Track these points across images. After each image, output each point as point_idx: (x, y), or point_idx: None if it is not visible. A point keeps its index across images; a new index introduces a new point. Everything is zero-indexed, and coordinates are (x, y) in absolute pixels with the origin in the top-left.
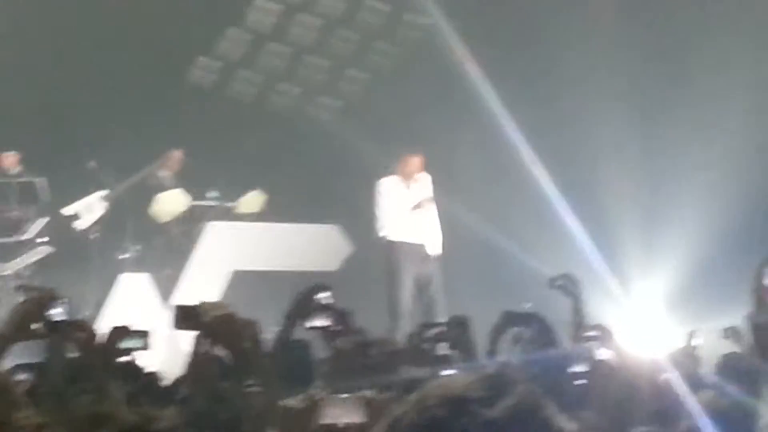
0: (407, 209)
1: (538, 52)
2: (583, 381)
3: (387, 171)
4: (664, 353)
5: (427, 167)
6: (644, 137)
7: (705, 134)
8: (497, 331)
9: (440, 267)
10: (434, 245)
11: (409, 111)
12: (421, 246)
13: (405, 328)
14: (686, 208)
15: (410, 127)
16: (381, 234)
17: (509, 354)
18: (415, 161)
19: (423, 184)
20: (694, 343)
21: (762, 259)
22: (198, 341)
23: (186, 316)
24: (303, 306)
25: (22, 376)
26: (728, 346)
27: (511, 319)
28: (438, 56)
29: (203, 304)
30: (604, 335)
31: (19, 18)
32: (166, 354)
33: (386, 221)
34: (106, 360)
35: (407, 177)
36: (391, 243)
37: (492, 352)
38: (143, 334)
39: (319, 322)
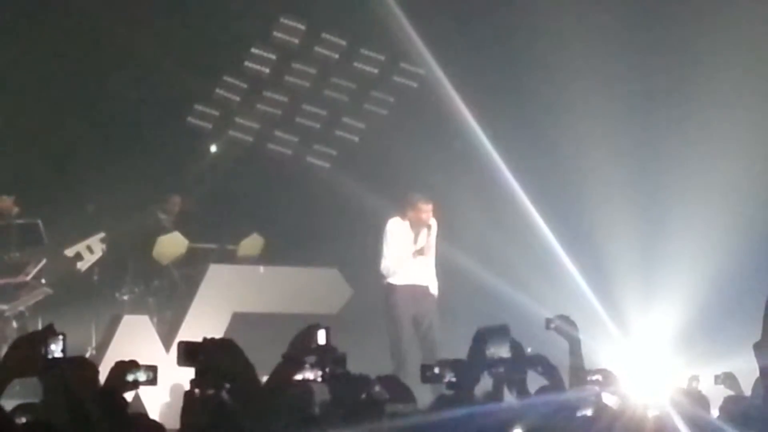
0: (411, 253)
1: (534, 98)
2: (588, 425)
3: (394, 212)
4: (666, 396)
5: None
6: (644, 179)
7: (707, 173)
8: (474, 350)
9: (438, 309)
10: (432, 286)
11: (406, 157)
12: (419, 287)
13: (407, 368)
14: (688, 250)
15: (407, 172)
16: (382, 273)
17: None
18: (428, 208)
19: (431, 230)
20: (696, 386)
21: None
22: (198, 377)
23: (189, 353)
24: (301, 345)
25: (23, 418)
26: (725, 391)
27: (485, 335)
28: (433, 104)
29: (206, 341)
30: (608, 379)
31: (18, 61)
32: (167, 396)
33: (390, 263)
34: (108, 396)
35: (417, 223)
36: (391, 285)
37: (472, 372)
38: (151, 369)
39: (311, 374)
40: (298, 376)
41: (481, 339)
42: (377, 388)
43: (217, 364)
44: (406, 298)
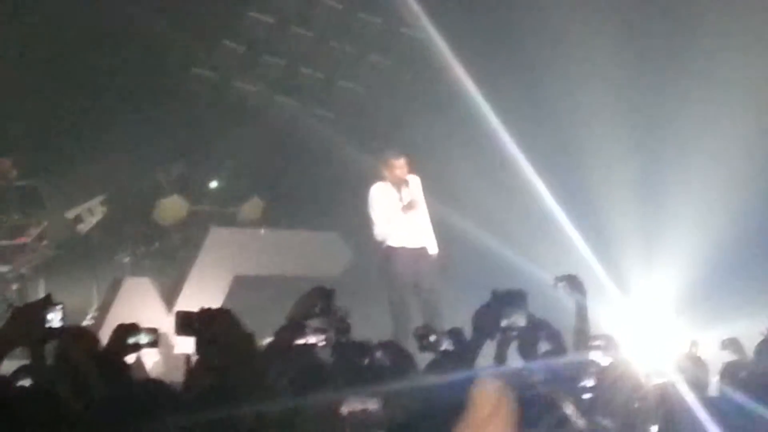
0: (398, 213)
1: (533, 58)
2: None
3: (376, 178)
4: (668, 360)
5: (425, 174)
6: (648, 135)
7: (713, 132)
8: (486, 314)
9: (437, 270)
10: (429, 246)
11: (406, 119)
12: (417, 248)
13: (406, 331)
14: (692, 211)
15: (407, 135)
16: (378, 240)
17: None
18: (401, 164)
19: (412, 186)
20: (696, 351)
21: None
22: (197, 347)
23: (187, 323)
24: (305, 309)
25: (23, 381)
26: (728, 356)
27: (500, 298)
28: (433, 65)
29: (203, 311)
30: (609, 345)
31: (19, 19)
32: (166, 359)
33: (381, 227)
34: (108, 362)
35: (395, 181)
36: (389, 248)
37: (480, 336)
38: (152, 331)
39: (313, 338)
40: (301, 341)
41: (497, 302)
42: (378, 354)
43: (215, 334)
44: (404, 260)
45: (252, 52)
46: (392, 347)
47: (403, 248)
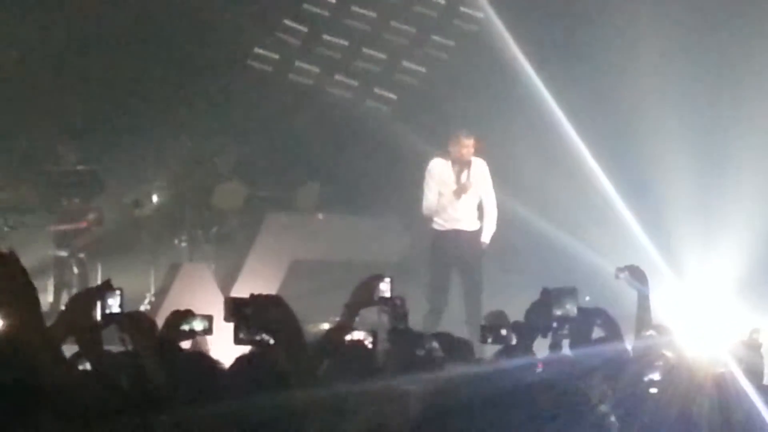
0: (452, 191)
1: (593, 45)
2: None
3: (440, 152)
4: (726, 350)
5: (487, 159)
6: (708, 120)
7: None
8: (537, 311)
9: (494, 258)
10: (482, 232)
11: (465, 103)
12: (465, 232)
13: (439, 314)
14: (750, 191)
15: (468, 118)
16: (424, 214)
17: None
18: (469, 143)
19: (476, 169)
20: (758, 338)
21: None
22: (245, 332)
23: (235, 309)
24: (363, 296)
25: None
26: None
27: (551, 296)
28: (493, 50)
29: (254, 297)
30: (663, 334)
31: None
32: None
33: (430, 202)
34: (165, 349)
35: (459, 160)
36: (435, 231)
37: (530, 334)
38: (207, 318)
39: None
40: (349, 337)
41: (549, 300)
42: (434, 345)
43: (264, 320)
44: (450, 243)
45: (313, 34)
46: (448, 338)
47: (450, 231)
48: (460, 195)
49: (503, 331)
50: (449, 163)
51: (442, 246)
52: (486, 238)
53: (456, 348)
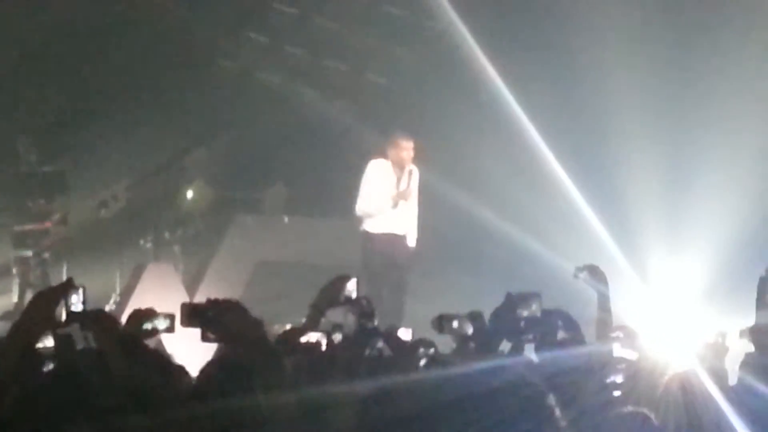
0: (390, 197)
1: (557, 46)
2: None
3: (380, 153)
4: (691, 351)
5: (447, 164)
6: (672, 123)
7: (735, 123)
8: (500, 315)
9: (413, 261)
10: (410, 237)
11: (429, 111)
12: (397, 236)
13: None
14: (718, 198)
15: (430, 125)
16: (357, 215)
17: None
18: (408, 146)
19: (412, 175)
20: (723, 341)
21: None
22: (203, 337)
23: (192, 315)
24: (330, 296)
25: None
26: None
27: (514, 300)
28: (457, 55)
29: (210, 302)
30: (628, 336)
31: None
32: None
33: (364, 203)
34: (127, 348)
35: (398, 163)
36: (367, 233)
37: (495, 336)
38: (169, 316)
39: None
40: (304, 339)
41: (512, 304)
42: (380, 344)
43: (223, 325)
44: (382, 247)
45: (275, 43)
46: (394, 338)
47: (382, 234)
48: (397, 202)
49: (455, 323)
50: (389, 164)
51: (375, 248)
52: (413, 242)
53: (400, 348)
